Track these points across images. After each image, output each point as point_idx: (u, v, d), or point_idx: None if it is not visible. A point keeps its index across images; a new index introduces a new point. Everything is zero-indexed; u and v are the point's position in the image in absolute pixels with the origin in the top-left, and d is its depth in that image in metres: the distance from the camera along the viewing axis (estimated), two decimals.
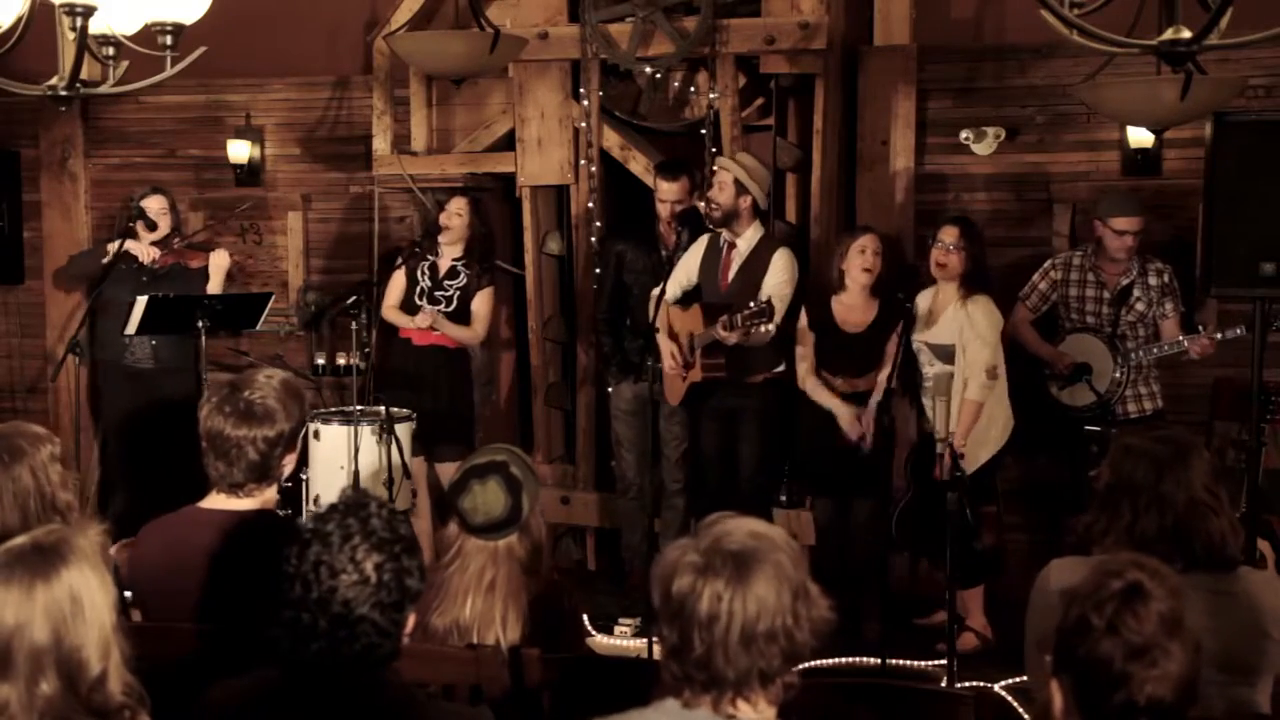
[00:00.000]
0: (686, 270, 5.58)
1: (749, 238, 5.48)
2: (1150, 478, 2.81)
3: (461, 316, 5.95)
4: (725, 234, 5.50)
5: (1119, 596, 1.95)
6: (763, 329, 5.02)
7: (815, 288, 5.55)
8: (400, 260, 6.08)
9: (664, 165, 5.83)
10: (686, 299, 5.58)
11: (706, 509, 2.21)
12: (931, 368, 5.19)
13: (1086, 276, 5.47)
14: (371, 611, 2.19)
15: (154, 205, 6.29)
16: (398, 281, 6.06)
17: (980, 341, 5.06)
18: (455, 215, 5.93)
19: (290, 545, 2.24)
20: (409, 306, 5.98)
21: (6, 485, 2.87)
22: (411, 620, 2.29)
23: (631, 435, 5.89)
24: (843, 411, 5.29)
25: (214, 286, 6.20)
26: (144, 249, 6.19)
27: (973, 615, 5.24)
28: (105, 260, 6.23)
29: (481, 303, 5.97)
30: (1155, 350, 5.36)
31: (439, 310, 5.91)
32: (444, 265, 5.98)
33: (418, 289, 5.97)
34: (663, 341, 5.48)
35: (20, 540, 2.09)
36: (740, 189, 5.40)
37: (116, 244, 6.21)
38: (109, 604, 2.07)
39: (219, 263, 6.26)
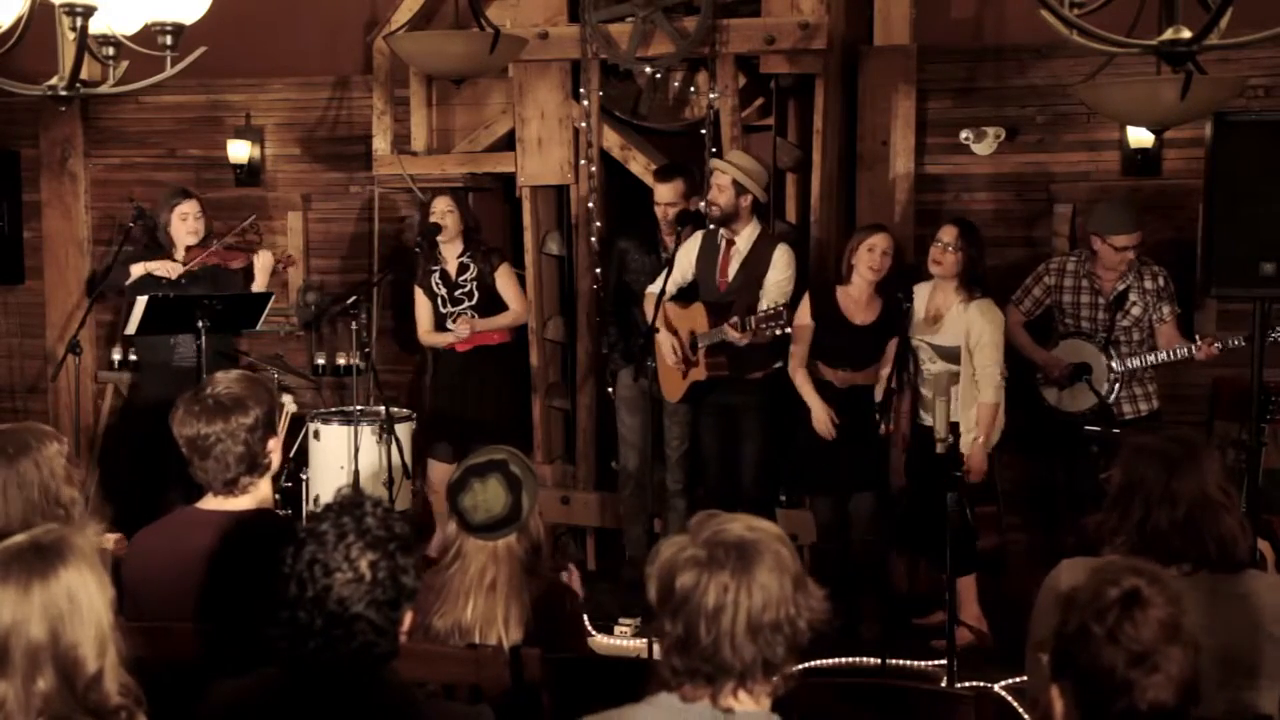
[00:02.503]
0: (682, 267, 5.58)
1: (748, 235, 5.48)
2: (1162, 476, 2.82)
3: (490, 304, 5.95)
4: (723, 231, 5.50)
5: (1118, 604, 1.96)
6: (777, 332, 5.04)
7: (819, 283, 5.56)
8: (416, 284, 6.07)
9: (660, 169, 5.83)
10: (683, 295, 5.58)
11: (708, 507, 2.22)
12: (932, 365, 5.19)
13: (1081, 282, 5.45)
14: (367, 609, 2.19)
15: (192, 209, 6.19)
16: (423, 305, 6.06)
17: (991, 346, 5.09)
18: (447, 214, 5.93)
19: (287, 545, 2.25)
20: (439, 322, 5.99)
21: (11, 478, 2.90)
22: (409, 619, 2.29)
23: (632, 427, 5.90)
24: (819, 409, 5.31)
25: (259, 286, 6.14)
26: (167, 265, 6.12)
27: (965, 607, 5.21)
28: (129, 282, 6.12)
29: (505, 280, 5.99)
30: (1152, 358, 5.32)
31: (465, 308, 5.90)
32: (452, 268, 5.98)
33: (439, 300, 5.97)
34: (663, 339, 5.49)
35: (19, 538, 2.09)
36: (739, 189, 5.40)
37: (140, 267, 6.12)
38: (106, 604, 2.07)
39: (264, 263, 6.18)
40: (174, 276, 6.03)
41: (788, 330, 5.08)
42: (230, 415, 2.98)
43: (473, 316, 5.92)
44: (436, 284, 5.99)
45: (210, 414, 2.98)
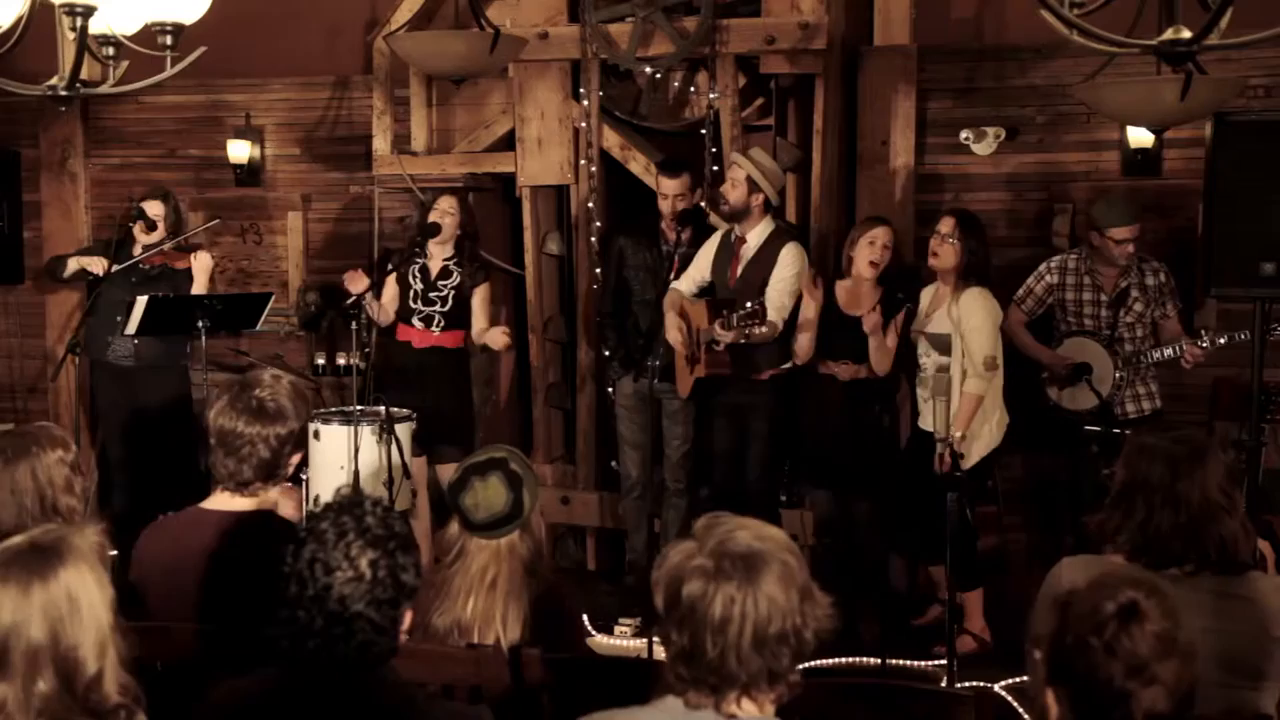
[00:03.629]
0: (700, 267, 5.58)
1: (759, 234, 5.47)
2: (1166, 477, 2.81)
3: (458, 314, 5.93)
4: (736, 229, 5.50)
5: (1116, 618, 1.97)
6: (759, 330, 5.01)
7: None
8: (391, 266, 6.03)
9: (665, 162, 5.83)
10: (703, 294, 5.58)
11: (711, 507, 2.22)
12: (928, 358, 5.17)
13: (1083, 280, 5.45)
14: (367, 608, 2.20)
15: (152, 208, 6.27)
16: (389, 289, 6.00)
17: (976, 332, 5.00)
18: (447, 214, 5.87)
19: (287, 544, 2.25)
20: (404, 312, 5.94)
21: (4, 482, 2.90)
22: (409, 618, 2.30)
23: (633, 431, 5.89)
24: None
25: (198, 288, 6.17)
26: (98, 262, 6.20)
27: (971, 619, 5.22)
28: (66, 275, 6.32)
29: (480, 299, 5.90)
30: (1157, 354, 5.33)
31: (435, 311, 5.89)
32: (435, 267, 5.92)
33: (411, 293, 5.93)
34: (670, 318, 5.48)
35: (18, 540, 2.09)
36: (753, 187, 5.40)
37: (75, 261, 6.32)
38: (106, 604, 2.08)
39: (202, 264, 6.21)
40: (99, 272, 6.16)
41: (766, 330, 5.04)
42: (271, 422, 2.97)
43: (440, 322, 5.89)
44: (414, 275, 5.93)
45: (251, 415, 2.97)
